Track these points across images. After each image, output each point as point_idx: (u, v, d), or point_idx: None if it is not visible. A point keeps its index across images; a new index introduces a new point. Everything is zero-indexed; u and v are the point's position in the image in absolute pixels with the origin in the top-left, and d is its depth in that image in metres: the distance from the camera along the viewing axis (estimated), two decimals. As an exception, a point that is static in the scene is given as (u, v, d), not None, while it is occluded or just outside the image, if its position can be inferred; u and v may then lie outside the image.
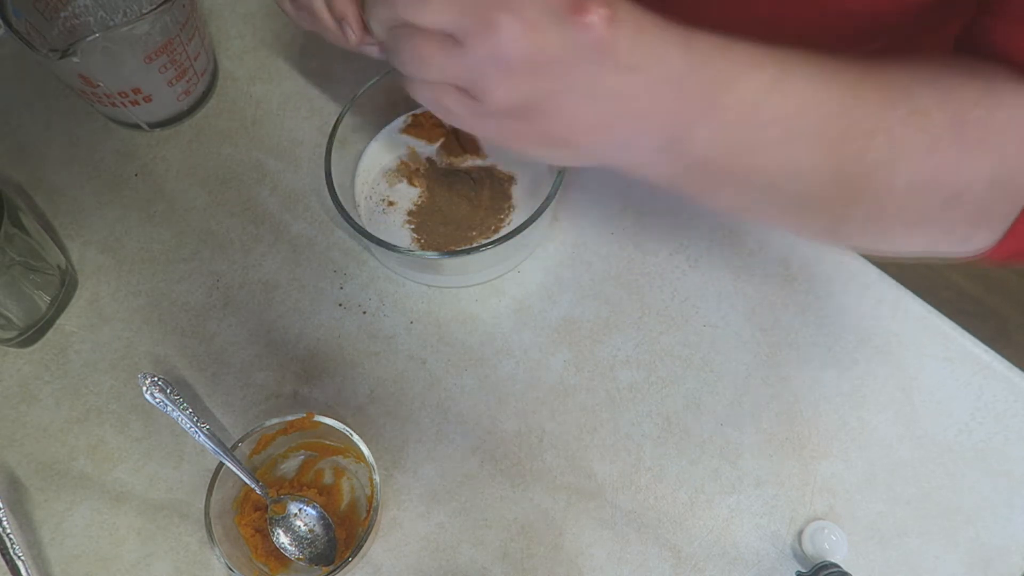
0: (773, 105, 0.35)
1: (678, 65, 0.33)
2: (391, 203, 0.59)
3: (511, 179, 0.59)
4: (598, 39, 0.31)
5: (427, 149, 0.61)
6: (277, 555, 0.51)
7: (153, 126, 0.65)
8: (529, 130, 0.35)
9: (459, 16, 0.32)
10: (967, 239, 0.41)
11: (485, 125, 0.36)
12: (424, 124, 0.61)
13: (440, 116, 0.37)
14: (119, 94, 0.60)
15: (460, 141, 0.60)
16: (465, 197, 0.58)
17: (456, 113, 0.35)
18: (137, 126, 0.65)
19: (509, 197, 0.58)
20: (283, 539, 0.50)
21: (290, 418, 0.51)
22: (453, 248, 0.56)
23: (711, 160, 0.36)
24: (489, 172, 0.59)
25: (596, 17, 0.31)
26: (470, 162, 0.60)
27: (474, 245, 0.55)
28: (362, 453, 0.50)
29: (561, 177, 0.53)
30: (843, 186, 0.37)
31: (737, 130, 0.35)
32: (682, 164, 0.37)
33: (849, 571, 0.47)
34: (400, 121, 0.62)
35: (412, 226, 0.58)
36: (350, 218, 0.53)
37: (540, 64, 0.32)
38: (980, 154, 0.37)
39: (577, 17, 0.31)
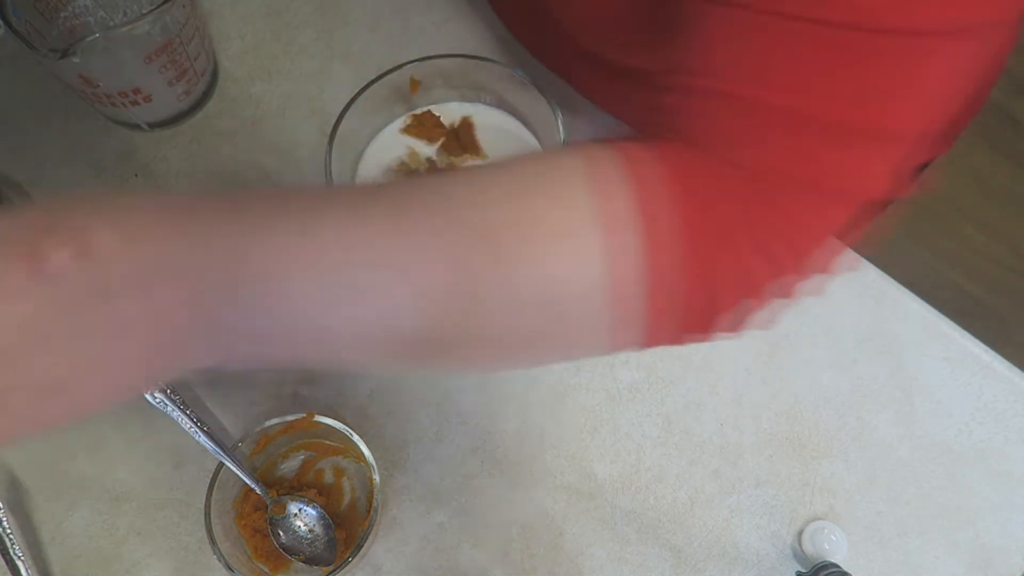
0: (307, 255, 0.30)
1: (183, 259, 0.28)
2: None
3: None
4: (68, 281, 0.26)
5: (427, 149, 0.61)
6: (277, 555, 0.51)
7: (153, 126, 0.65)
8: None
9: None
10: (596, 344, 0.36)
11: None
12: (425, 124, 0.61)
13: None
14: (119, 94, 0.60)
15: (460, 141, 0.60)
16: None
17: None
18: (137, 126, 0.65)
19: None
20: (283, 539, 0.50)
21: (290, 418, 0.51)
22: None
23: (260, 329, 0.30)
24: None
25: (59, 258, 0.25)
26: (470, 162, 0.60)
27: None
28: (362, 453, 0.50)
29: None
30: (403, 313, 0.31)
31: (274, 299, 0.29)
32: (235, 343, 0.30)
33: (849, 571, 0.47)
34: (400, 121, 0.61)
35: None
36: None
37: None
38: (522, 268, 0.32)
39: (37, 267, 0.25)
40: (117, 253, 0.26)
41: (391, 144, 0.61)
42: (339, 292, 0.30)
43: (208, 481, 0.49)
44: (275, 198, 0.31)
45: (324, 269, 0.30)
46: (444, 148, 0.60)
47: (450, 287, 0.31)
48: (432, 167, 0.60)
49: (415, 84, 0.59)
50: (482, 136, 0.61)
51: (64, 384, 0.27)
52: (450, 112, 0.61)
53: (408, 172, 0.60)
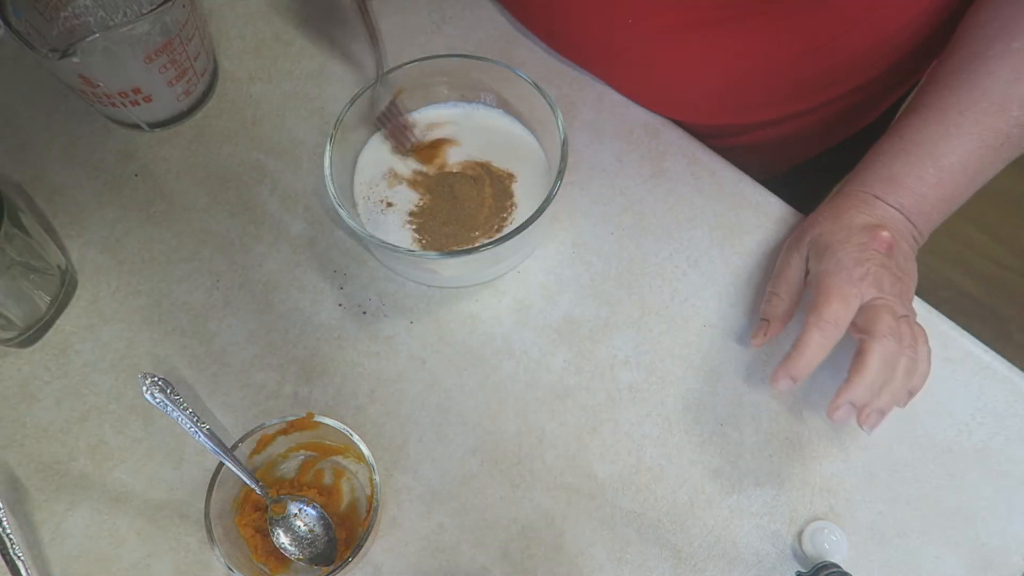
0: (949, 182, 0.53)
1: (902, 222, 0.53)
2: (390, 204, 0.59)
3: (511, 176, 0.59)
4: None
5: (404, 164, 0.60)
6: (277, 555, 0.51)
7: (153, 126, 0.65)
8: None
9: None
10: None
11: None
12: (396, 136, 0.60)
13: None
14: (119, 94, 0.60)
15: (422, 149, 0.60)
16: (468, 198, 0.58)
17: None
18: (137, 126, 0.65)
19: (511, 195, 0.58)
20: (283, 539, 0.50)
21: (290, 418, 0.51)
22: (454, 248, 0.56)
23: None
24: (487, 169, 0.59)
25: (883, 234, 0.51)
26: (464, 157, 0.60)
27: (474, 245, 0.55)
28: (362, 453, 0.50)
29: (561, 177, 0.53)
30: (1011, 157, 0.54)
31: (946, 203, 0.54)
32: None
33: (849, 571, 0.47)
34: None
35: (414, 227, 0.58)
36: (352, 218, 0.53)
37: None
38: None
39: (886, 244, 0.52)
40: (889, 225, 0.52)
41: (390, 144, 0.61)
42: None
43: (208, 481, 0.49)
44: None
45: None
46: (417, 158, 0.60)
47: None
48: (426, 174, 0.60)
49: (398, 93, 0.59)
50: (482, 136, 0.61)
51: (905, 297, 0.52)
52: (427, 118, 0.61)
53: (398, 180, 0.60)
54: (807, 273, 0.53)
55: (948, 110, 0.52)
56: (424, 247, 0.57)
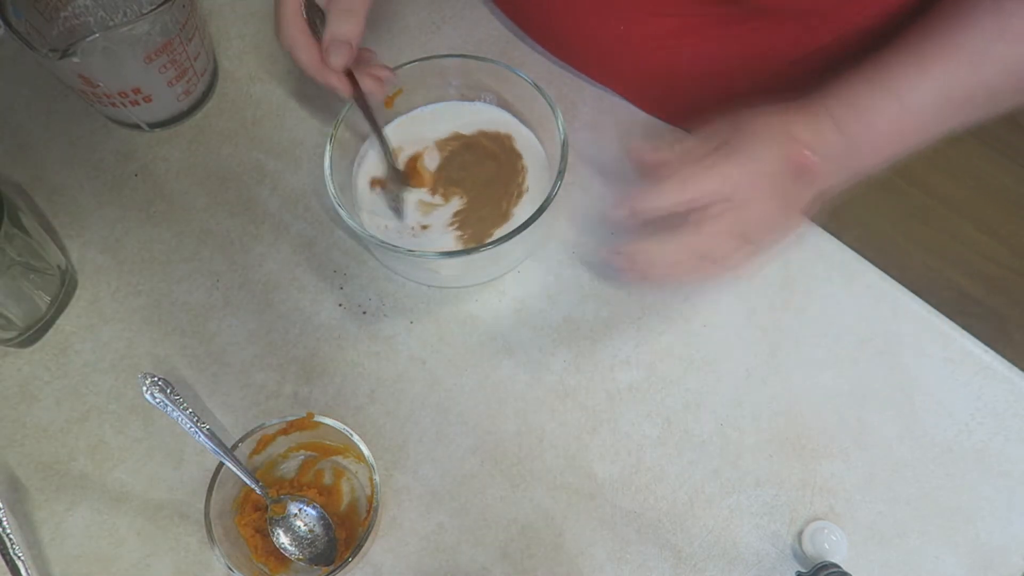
0: (905, 125, 0.51)
1: (841, 150, 0.51)
2: (424, 227, 0.58)
3: (508, 136, 0.60)
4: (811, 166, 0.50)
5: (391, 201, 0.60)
6: (277, 555, 0.51)
7: (153, 126, 0.65)
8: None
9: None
10: None
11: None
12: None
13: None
14: (119, 94, 0.60)
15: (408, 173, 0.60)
16: (477, 172, 0.58)
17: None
18: (137, 126, 0.65)
19: (515, 152, 0.59)
20: (283, 539, 0.50)
21: (290, 418, 0.51)
22: (473, 245, 0.56)
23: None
24: (477, 138, 0.59)
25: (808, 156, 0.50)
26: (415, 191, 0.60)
27: (473, 246, 0.55)
28: (362, 453, 0.50)
29: (561, 177, 0.53)
30: (967, 122, 0.52)
31: (892, 147, 0.52)
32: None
33: (849, 571, 0.47)
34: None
35: (455, 227, 0.58)
36: (352, 218, 0.53)
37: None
38: None
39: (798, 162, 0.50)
40: (818, 149, 0.49)
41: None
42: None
43: (208, 481, 0.49)
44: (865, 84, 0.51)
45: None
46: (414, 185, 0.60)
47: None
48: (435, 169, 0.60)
49: (390, 101, 0.59)
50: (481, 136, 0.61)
51: (775, 226, 0.52)
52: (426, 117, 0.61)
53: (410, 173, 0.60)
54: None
55: (924, 52, 0.51)
56: (467, 242, 0.57)
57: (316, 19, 0.52)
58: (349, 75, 0.53)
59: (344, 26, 0.50)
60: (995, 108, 0.52)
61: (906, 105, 0.50)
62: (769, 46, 0.59)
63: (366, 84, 0.54)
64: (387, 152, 0.58)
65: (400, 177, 0.59)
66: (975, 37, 0.50)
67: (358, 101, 0.54)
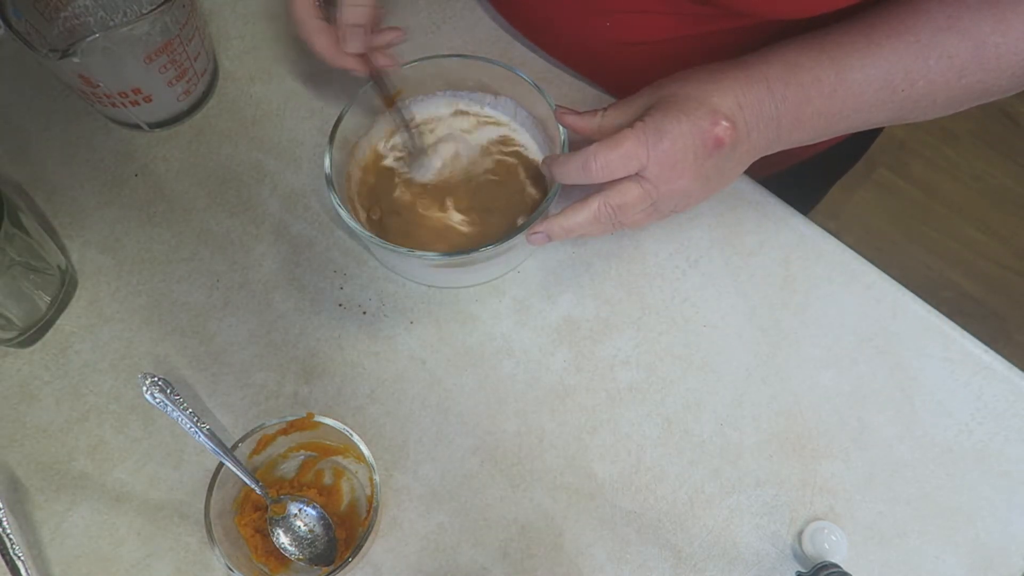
0: (840, 100, 0.50)
1: (771, 116, 0.50)
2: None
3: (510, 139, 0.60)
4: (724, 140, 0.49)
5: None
6: (277, 555, 0.51)
7: (153, 126, 0.65)
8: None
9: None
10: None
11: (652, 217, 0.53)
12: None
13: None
14: (119, 94, 0.60)
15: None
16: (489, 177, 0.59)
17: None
18: (137, 126, 0.65)
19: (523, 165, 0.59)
20: (283, 539, 0.50)
21: (290, 418, 0.51)
22: (473, 246, 0.56)
23: (812, 135, 0.53)
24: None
25: (723, 128, 0.49)
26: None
27: (474, 247, 0.55)
28: (362, 453, 0.50)
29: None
30: (899, 114, 0.52)
31: (824, 121, 0.51)
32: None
33: (849, 571, 0.47)
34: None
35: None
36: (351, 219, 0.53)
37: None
38: (999, 71, 0.49)
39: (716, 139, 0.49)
40: (739, 119, 0.49)
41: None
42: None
43: (208, 481, 0.49)
44: (805, 55, 0.50)
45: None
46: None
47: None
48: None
49: (390, 101, 0.59)
50: (481, 136, 0.61)
51: (687, 199, 0.51)
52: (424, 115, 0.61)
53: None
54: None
55: (875, 31, 0.50)
56: (471, 228, 0.57)
57: (328, 4, 0.53)
58: (363, 56, 0.55)
59: (356, 10, 0.52)
60: (931, 106, 0.51)
61: (847, 80, 0.50)
62: (750, 47, 0.59)
63: (380, 61, 0.56)
64: (407, 126, 0.59)
65: (420, 145, 0.59)
66: (925, 24, 0.49)
67: (375, 80, 0.57)
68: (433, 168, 0.59)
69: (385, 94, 0.58)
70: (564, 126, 0.55)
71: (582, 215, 0.51)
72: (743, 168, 0.52)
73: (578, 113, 0.54)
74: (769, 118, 0.50)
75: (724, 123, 0.48)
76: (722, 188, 0.53)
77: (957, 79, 0.49)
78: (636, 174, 0.49)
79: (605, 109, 0.53)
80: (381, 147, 0.60)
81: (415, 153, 0.59)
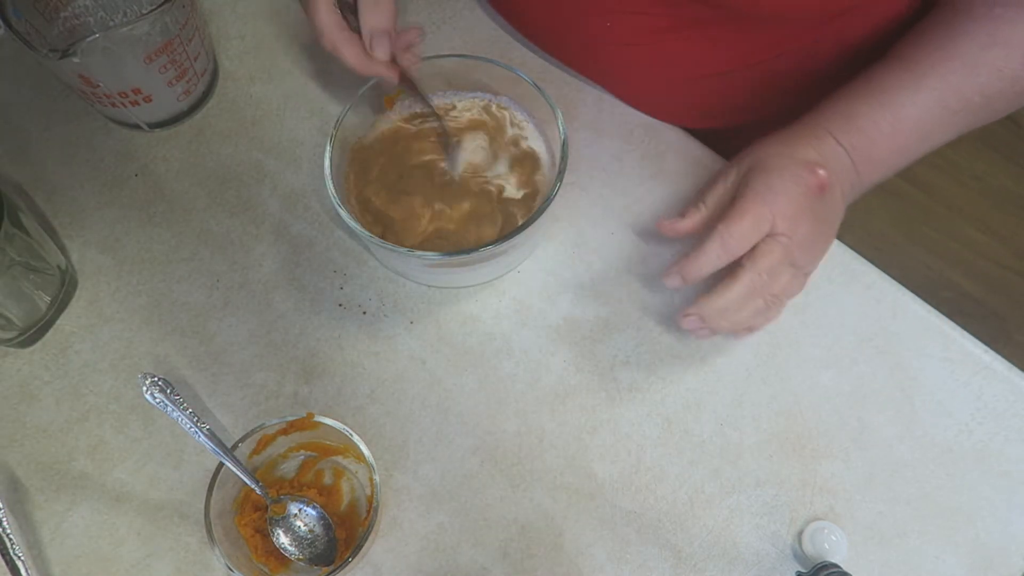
0: (904, 135, 0.53)
1: (846, 164, 0.52)
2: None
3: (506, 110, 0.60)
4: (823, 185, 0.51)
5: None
6: (277, 555, 0.51)
7: (153, 126, 0.65)
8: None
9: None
10: None
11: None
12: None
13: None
14: (119, 94, 0.60)
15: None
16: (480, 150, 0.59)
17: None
18: (137, 126, 0.65)
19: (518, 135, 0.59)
20: (283, 539, 0.50)
21: (290, 418, 0.51)
22: (462, 248, 0.56)
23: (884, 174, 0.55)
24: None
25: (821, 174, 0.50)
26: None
27: (474, 247, 0.55)
28: (362, 453, 0.50)
29: (561, 177, 0.53)
30: (965, 128, 0.54)
31: (895, 156, 0.54)
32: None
33: (849, 571, 0.47)
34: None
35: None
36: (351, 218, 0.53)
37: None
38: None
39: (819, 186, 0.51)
40: (824, 161, 0.51)
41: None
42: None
43: (208, 481, 0.49)
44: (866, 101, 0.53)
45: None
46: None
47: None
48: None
49: (390, 101, 0.59)
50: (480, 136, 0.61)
51: (819, 246, 0.53)
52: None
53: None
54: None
55: (918, 63, 0.52)
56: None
57: (346, 13, 0.53)
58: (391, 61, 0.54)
59: (378, 16, 0.52)
60: (992, 113, 0.53)
61: (903, 117, 0.52)
62: (749, 47, 0.59)
63: (405, 61, 0.56)
64: (440, 121, 0.59)
65: (452, 141, 0.59)
66: (967, 44, 0.51)
67: (406, 82, 0.56)
68: (461, 161, 0.58)
69: (417, 93, 0.57)
70: (676, 235, 0.55)
71: (735, 290, 0.50)
72: (843, 210, 0.53)
73: (681, 218, 0.54)
74: (845, 165, 0.52)
75: (820, 171, 0.50)
76: (834, 233, 0.54)
77: (1011, 87, 0.51)
78: (768, 235, 0.50)
79: (703, 201, 0.54)
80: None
81: (447, 146, 0.59)
